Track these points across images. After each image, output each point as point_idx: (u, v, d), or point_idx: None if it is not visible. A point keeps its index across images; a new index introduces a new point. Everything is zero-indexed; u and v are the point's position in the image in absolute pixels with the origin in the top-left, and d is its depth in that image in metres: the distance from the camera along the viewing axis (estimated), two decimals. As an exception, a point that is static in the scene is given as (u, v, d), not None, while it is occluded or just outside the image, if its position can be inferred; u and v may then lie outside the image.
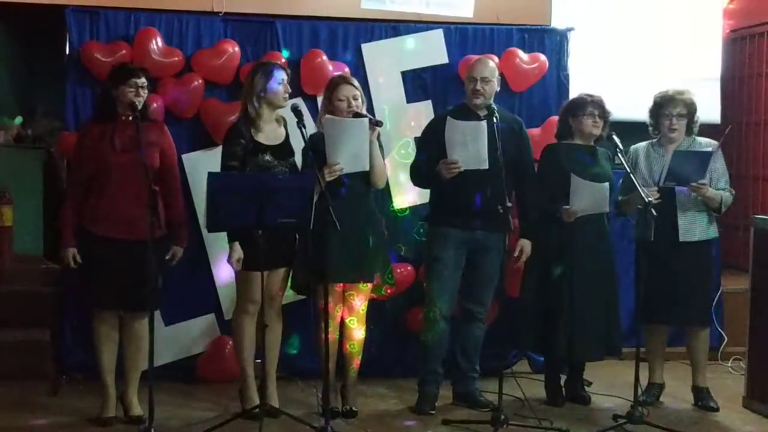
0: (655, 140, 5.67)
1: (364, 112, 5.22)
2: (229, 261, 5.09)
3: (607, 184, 5.43)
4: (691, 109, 5.59)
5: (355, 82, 5.31)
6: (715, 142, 5.65)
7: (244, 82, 5.27)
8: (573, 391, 5.72)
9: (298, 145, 5.20)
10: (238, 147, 5.08)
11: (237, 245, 5.04)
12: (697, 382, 5.71)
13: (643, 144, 5.69)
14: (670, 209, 5.45)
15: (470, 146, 5.18)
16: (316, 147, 5.07)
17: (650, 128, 5.70)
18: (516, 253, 5.44)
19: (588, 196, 5.34)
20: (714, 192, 5.51)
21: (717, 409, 5.59)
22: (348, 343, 5.37)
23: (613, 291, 5.58)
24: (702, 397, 5.68)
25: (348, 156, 5.07)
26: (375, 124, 5.17)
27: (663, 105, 5.59)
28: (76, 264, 5.03)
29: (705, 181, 5.43)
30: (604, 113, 5.54)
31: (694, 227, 5.52)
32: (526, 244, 5.46)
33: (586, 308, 5.45)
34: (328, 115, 5.15)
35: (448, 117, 5.31)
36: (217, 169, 5.14)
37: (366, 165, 5.12)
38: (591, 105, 5.52)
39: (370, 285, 5.34)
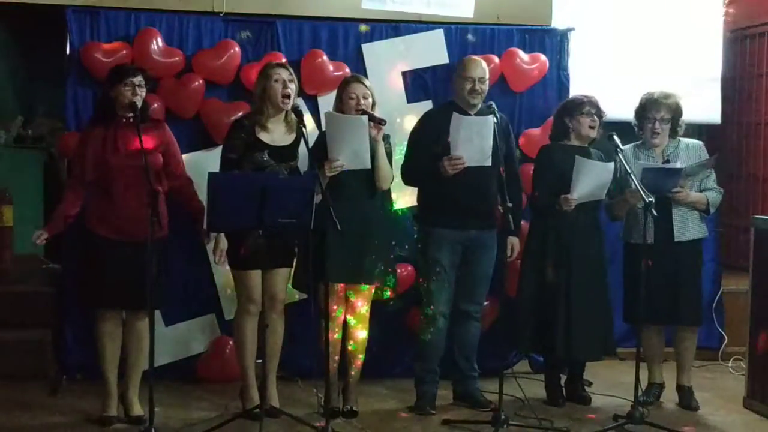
0: (639, 142, 5.67)
1: (374, 112, 5.21)
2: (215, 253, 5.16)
3: (612, 163, 5.42)
4: (675, 113, 5.58)
5: (367, 82, 5.35)
6: (699, 143, 5.69)
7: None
8: (573, 391, 5.72)
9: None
10: (239, 141, 5.13)
11: (222, 237, 5.08)
12: (682, 381, 5.70)
13: (628, 147, 5.64)
14: (664, 209, 5.43)
15: (476, 141, 5.16)
16: (322, 146, 5.10)
17: (635, 129, 5.70)
18: (509, 253, 5.46)
19: (593, 178, 5.31)
20: (697, 195, 5.52)
21: (697, 408, 5.59)
22: (350, 344, 5.38)
23: (605, 289, 5.58)
24: (683, 397, 5.67)
25: (348, 153, 5.07)
26: (378, 122, 5.15)
27: (647, 108, 5.58)
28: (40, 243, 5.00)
29: (678, 189, 5.42)
30: (600, 114, 5.55)
31: (688, 226, 5.53)
32: (515, 242, 5.48)
33: (584, 307, 5.45)
34: (327, 111, 5.16)
35: (454, 113, 5.28)
36: (217, 169, 5.16)
37: (367, 163, 5.11)
38: (588, 105, 5.53)
39: (371, 287, 5.35)
